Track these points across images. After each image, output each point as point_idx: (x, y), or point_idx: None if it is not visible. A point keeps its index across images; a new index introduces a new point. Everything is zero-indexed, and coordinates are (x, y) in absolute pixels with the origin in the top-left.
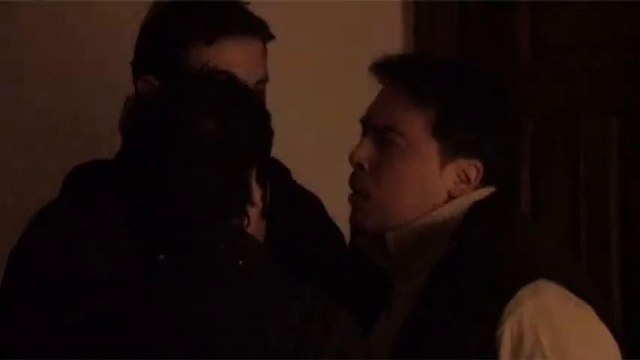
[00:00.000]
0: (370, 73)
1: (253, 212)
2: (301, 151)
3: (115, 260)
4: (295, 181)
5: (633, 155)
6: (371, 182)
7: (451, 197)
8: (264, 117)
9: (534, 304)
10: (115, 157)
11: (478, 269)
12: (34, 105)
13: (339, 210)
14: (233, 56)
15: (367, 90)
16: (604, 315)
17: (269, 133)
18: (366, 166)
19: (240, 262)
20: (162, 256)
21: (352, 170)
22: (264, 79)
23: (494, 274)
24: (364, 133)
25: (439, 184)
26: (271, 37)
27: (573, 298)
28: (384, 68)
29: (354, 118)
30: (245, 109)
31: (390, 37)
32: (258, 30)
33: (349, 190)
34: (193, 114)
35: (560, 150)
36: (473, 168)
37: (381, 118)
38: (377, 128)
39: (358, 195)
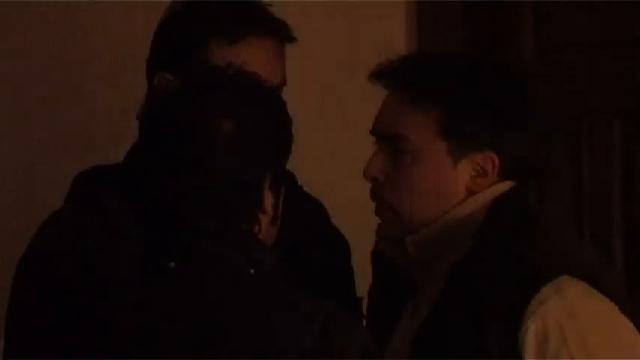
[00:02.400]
0: (372, 82)
1: (264, 219)
2: (304, 152)
3: (126, 266)
4: (301, 186)
5: (636, 156)
6: (389, 193)
7: (471, 193)
8: (286, 123)
9: (558, 301)
10: (121, 162)
11: (498, 268)
12: (34, 106)
13: (343, 216)
14: (255, 57)
15: (369, 91)
16: (626, 311)
17: (288, 140)
18: (381, 178)
19: (252, 271)
20: (172, 264)
21: (353, 170)
22: (283, 82)
23: (515, 272)
24: (376, 144)
25: (456, 183)
26: (293, 39)
27: (595, 293)
28: (381, 76)
29: (357, 119)
30: (266, 113)
31: (393, 37)
32: (281, 32)
33: (373, 204)
34: (210, 114)
35: (563, 151)
36: (488, 160)
37: (386, 127)
38: (384, 138)
39: (381, 207)
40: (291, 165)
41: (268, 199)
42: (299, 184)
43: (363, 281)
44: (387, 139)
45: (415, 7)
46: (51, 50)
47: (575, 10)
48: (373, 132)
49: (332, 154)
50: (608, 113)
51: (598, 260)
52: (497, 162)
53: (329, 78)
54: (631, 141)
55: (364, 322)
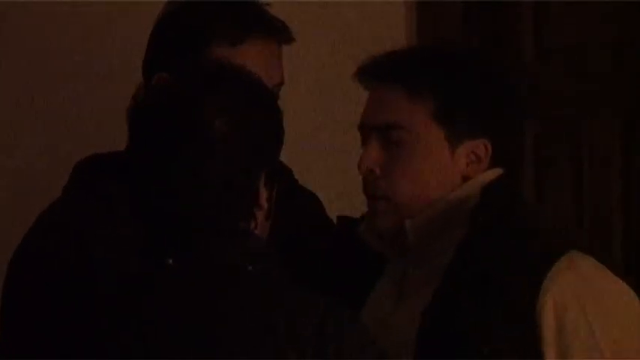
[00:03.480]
0: (356, 79)
1: (260, 214)
2: (304, 151)
3: (126, 260)
4: (297, 180)
5: (636, 157)
6: (386, 184)
7: (465, 179)
8: (278, 118)
9: (573, 274)
10: (120, 150)
11: (508, 245)
12: (32, 105)
13: (339, 209)
14: (255, 59)
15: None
16: None
17: (281, 134)
18: (377, 170)
19: (250, 267)
20: (170, 261)
21: (350, 167)
22: (281, 82)
23: (527, 248)
24: (365, 139)
25: (453, 169)
26: (292, 40)
27: (604, 266)
28: (372, 70)
29: (356, 119)
30: (259, 110)
31: (393, 37)
32: (281, 33)
33: (364, 197)
34: (205, 113)
35: (564, 152)
36: (481, 147)
37: (381, 118)
38: (379, 130)
39: (378, 199)
40: (290, 164)
41: (263, 194)
42: (295, 177)
43: None
44: (383, 130)
45: (416, 8)
46: (51, 50)
47: (575, 10)
48: (365, 125)
49: (331, 154)
50: (608, 113)
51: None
52: (489, 149)
53: (329, 78)
54: (631, 141)
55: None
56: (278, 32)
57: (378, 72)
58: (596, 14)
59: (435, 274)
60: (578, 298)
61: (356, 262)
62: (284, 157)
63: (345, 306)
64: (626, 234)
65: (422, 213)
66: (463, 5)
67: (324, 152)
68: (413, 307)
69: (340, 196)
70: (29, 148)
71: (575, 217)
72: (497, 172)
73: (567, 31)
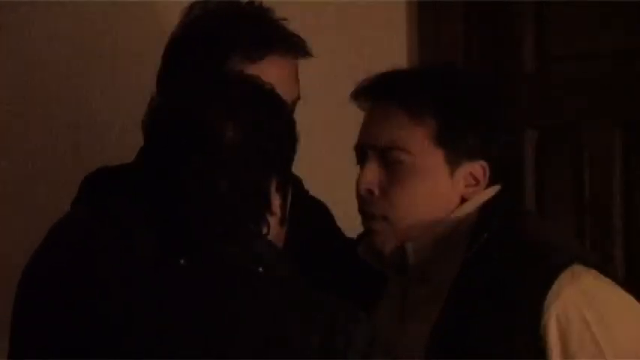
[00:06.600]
0: (354, 100)
1: (273, 220)
2: (305, 154)
3: (136, 267)
4: (308, 190)
5: (637, 165)
6: (385, 205)
7: (463, 200)
8: (290, 124)
9: (575, 288)
10: (128, 162)
11: (511, 262)
12: (37, 106)
13: (347, 219)
14: (275, 75)
15: None
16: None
17: (293, 141)
18: (376, 190)
19: (260, 269)
20: (183, 260)
21: (350, 176)
22: (299, 97)
23: (529, 265)
24: (363, 159)
25: (452, 191)
26: (310, 54)
27: (607, 280)
28: (371, 90)
29: (357, 120)
30: (270, 115)
31: (395, 38)
32: (300, 48)
33: (361, 216)
34: (216, 118)
35: (564, 160)
36: (479, 168)
37: (381, 139)
38: (378, 150)
39: (375, 218)
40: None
41: (276, 201)
42: (305, 187)
43: None
44: (382, 150)
45: (417, 8)
46: (53, 50)
47: (576, 19)
48: (363, 145)
49: (331, 159)
50: (610, 123)
51: (588, 249)
52: (487, 169)
53: (329, 79)
54: (632, 150)
55: None
56: (296, 48)
57: (377, 92)
58: (599, 23)
59: (437, 293)
60: (580, 312)
61: (358, 278)
62: None
63: (356, 306)
64: (626, 245)
65: (422, 235)
66: (464, 6)
67: (324, 158)
68: (418, 325)
69: (345, 205)
70: (29, 149)
71: (575, 220)
72: (495, 189)
73: (569, 40)
